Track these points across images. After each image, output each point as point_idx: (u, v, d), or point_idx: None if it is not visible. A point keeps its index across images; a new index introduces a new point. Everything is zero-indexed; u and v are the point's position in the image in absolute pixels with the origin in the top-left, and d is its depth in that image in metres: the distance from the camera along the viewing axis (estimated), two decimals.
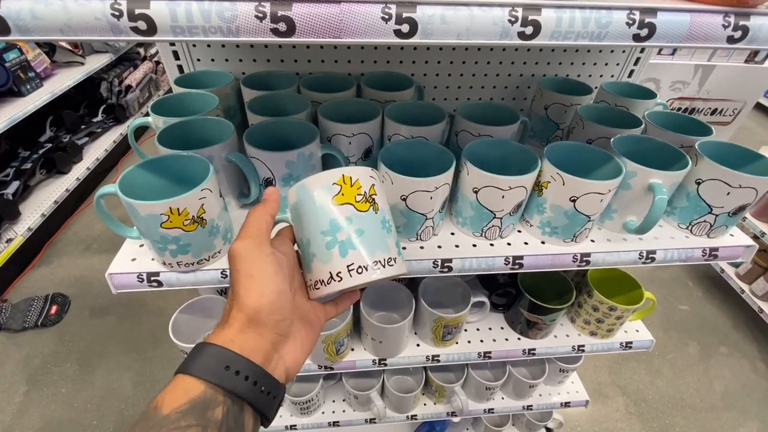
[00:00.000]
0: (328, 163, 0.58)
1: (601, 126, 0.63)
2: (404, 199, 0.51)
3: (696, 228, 0.59)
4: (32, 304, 1.65)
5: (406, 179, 0.49)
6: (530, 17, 0.32)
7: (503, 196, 0.51)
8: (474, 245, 0.57)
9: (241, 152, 0.55)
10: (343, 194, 0.37)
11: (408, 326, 0.76)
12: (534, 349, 0.81)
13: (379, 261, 0.36)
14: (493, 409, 1.01)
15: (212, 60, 0.74)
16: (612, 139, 0.57)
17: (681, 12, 0.34)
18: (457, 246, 0.57)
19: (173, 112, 0.58)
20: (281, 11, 0.30)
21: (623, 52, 0.81)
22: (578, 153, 0.57)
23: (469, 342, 0.82)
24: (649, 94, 0.73)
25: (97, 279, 1.83)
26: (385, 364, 0.81)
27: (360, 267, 0.36)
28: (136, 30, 0.30)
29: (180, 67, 0.75)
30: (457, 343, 0.82)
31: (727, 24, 0.34)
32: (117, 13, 0.29)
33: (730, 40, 0.35)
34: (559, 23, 0.33)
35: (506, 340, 0.83)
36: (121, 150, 2.60)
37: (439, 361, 0.81)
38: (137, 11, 0.29)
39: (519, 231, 0.60)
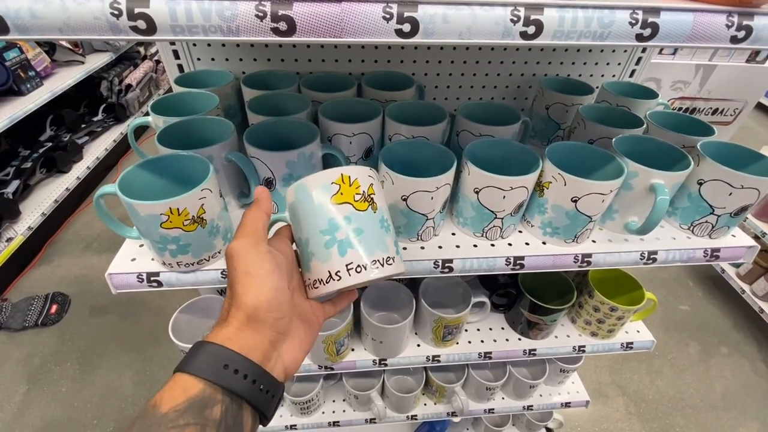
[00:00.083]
0: (328, 162, 0.58)
1: (603, 126, 0.62)
2: (405, 200, 0.51)
3: (698, 228, 0.59)
4: (32, 303, 1.65)
5: (407, 179, 0.49)
6: (532, 17, 0.32)
7: (504, 197, 0.51)
8: (475, 245, 0.57)
9: (241, 152, 0.54)
10: (341, 193, 0.37)
11: (408, 326, 0.76)
12: (535, 350, 0.81)
13: (378, 260, 0.36)
14: (493, 409, 1.01)
15: (212, 59, 0.74)
16: (613, 139, 0.57)
17: (684, 12, 0.33)
18: (458, 246, 0.56)
19: (173, 111, 0.58)
20: (282, 10, 0.30)
21: (625, 51, 0.81)
22: (580, 153, 0.57)
23: (469, 342, 0.82)
24: (651, 94, 0.73)
25: (97, 278, 1.83)
26: (386, 365, 0.80)
27: (359, 266, 0.36)
28: (135, 29, 0.30)
29: (180, 67, 0.74)
30: (457, 343, 0.82)
31: (730, 24, 0.34)
32: (116, 12, 0.29)
33: (734, 40, 0.35)
34: (562, 23, 0.32)
35: (507, 340, 0.82)
36: (121, 149, 2.60)
37: (439, 361, 0.81)
38: (137, 10, 0.29)
39: (520, 231, 0.60)
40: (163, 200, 0.42)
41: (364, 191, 0.38)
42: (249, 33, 0.31)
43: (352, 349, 0.82)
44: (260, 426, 0.33)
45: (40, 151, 1.98)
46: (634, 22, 0.33)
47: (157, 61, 2.97)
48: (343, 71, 0.77)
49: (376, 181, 0.40)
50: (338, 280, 0.36)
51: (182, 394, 0.28)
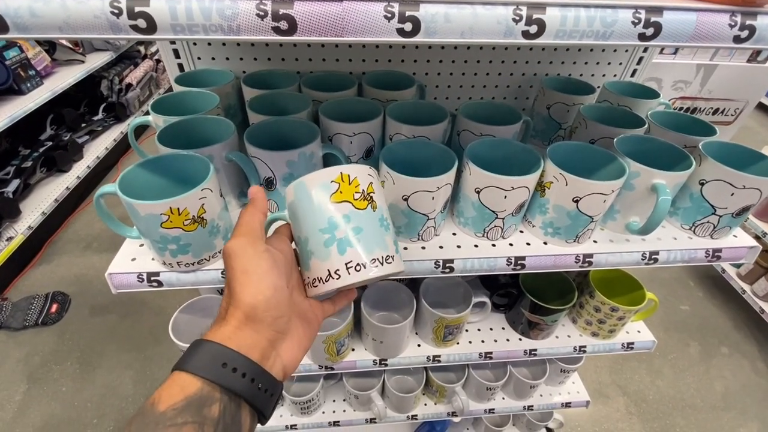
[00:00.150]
0: (329, 162, 0.57)
1: (604, 126, 0.62)
2: (406, 199, 0.50)
3: (699, 229, 0.59)
4: (33, 302, 1.65)
5: (408, 179, 0.48)
6: (535, 16, 0.32)
7: (505, 197, 0.51)
8: (476, 246, 0.57)
9: (241, 151, 0.54)
10: (341, 192, 0.37)
11: (409, 326, 0.76)
12: (535, 350, 0.80)
13: (377, 259, 0.36)
14: (493, 409, 1.01)
15: (213, 58, 0.74)
16: (615, 139, 0.57)
17: (687, 11, 0.33)
18: (458, 246, 0.56)
19: (173, 110, 0.58)
20: (282, 9, 0.30)
21: (626, 51, 0.81)
22: (581, 153, 0.57)
23: (470, 342, 0.82)
24: (652, 94, 0.73)
25: (98, 277, 1.83)
26: (386, 365, 0.80)
27: (358, 264, 0.36)
28: (135, 28, 0.30)
29: (180, 66, 0.74)
30: (458, 343, 0.82)
31: (733, 23, 0.34)
32: (116, 11, 0.29)
33: (737, 39, 0.35)
34: (564, 22, 0.32)
35: (507, 340, 0.82)
36: (121, 148, 2.60)
37: (440, 361, 0.81)
38: (137, 9, 0.29)
39: (521, 231, 0.59)
40: (163, 200, 0.42)
41: (363, 190, 0.38)
42: (250, 32, 0.30)
43: (353, 349, 0.82)
44: (259, 425, 0.33)
45: (41, 150, 1.97)
46: (636, 21, 0.33)
47: (158, 60, 2.97)
48: (343, 70, 0.77)
49: (375, 180, 0.40)
50: (337, 279, 0.36)
51: (180, 392, 0.28)
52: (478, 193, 0.52)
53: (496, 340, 0.82)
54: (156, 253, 0.50)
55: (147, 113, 0.58)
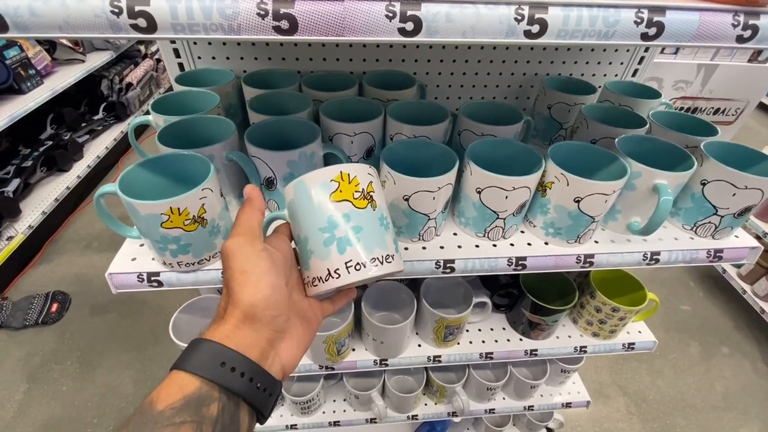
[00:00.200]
0: (330, 162, 0.57)
1: (606, 126, 0.62)
2: (407, 200, 0.50)
3: (701, 229, 0.59)
4: (33, 302, 1.65)
5: (409, 179, 0.48)
6: (537, 15, 0.32)
7: (507, 197, 0.51)
8: (477, 246, 0.56)
9: (242, 151, 0.54)
10: (341, 191, 0.37)
11: (409, 327, 0.76)
12: (536, 350, 0.80)
13: (377, 258, 0.36)
14: (494, 409, 1.01)
15: (213, 58, 0.74)
16: (616, 139, 0.57)
17: (690, 11, 0.33)
18: (459, 247, 0.56)
19: (174, 110, 0.58)
20: (283, 8, 0.30)
21: (627, 51, 0.80)
22: (582, 153, 0.56)
23: (470, 342, 0.82)
24: (654, 94, 0.73)
25: (98, 277, 1.83)
26: (386, 365, 0.80)
27: (358, 264, 0.36)
28: (136, 27, 0.30)
29: (181, 65, 0.74)
30: (458, 343, 0.82)
31: (736, 23, 0.34)
32: (116, 10, 0.29)
33: (740, 39, 0.34)
34: (566, 22, 0.32)
35: (508, 340, 0.82)
36: (121, 148, 2.60)
37: (440, 361, 0.80)
38: (137, 8, 0.29)
39: (522, 232, 0.59)
40: (163, 200, 0.42)
41: (363, 189, 0.38)
42: (250, 31, 0.30)
43: (353, 349, 0.82)
44: (259, 425, 0.33)
45: (41, 149, 1.97)
46: (639, 21, 0.33)
47: (158, 60, 2.97)
48: (344, 70, 0.77)
49: (375, 179, 0.40)
50: (337, 278, 0.36)
51: (179, 391, 0.28)
52: (479, 193, 0.52)
53: (496, 341, 0.82)
54: (156, 253, 0.49)
55: (147, 113, 0.58)
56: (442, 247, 0.56)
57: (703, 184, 0.55)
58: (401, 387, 1.01)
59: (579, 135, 0.67)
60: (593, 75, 0.84)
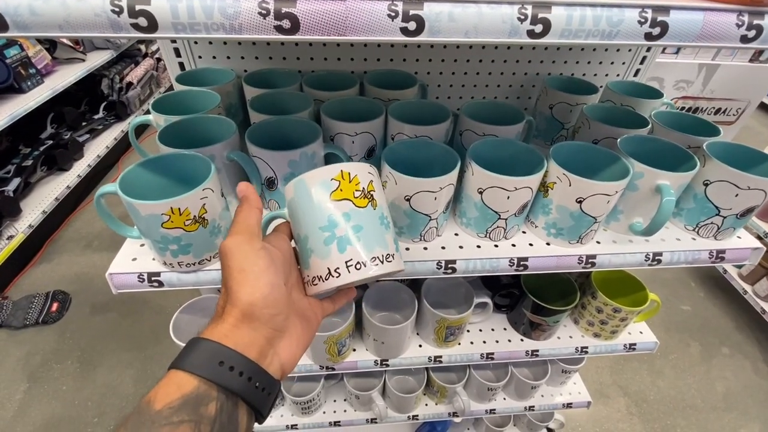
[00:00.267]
0: (330, 162, 0.57)
1: (608, 126, 0.62)
2: (408, 200, 0.50)
3: (703, 230, 0.59)
4: (33, 301, 1.65)
5: (411, 179, 0.48)
6: (540, 15, 0.31)
7: (508, 197, 0.51)
8: (478, 246, 0.56)
9: (242, 151, 0.54)
10: (341, 190, 0.37)
11: (410, 327, 0.75)
12: (537, 351, 0.80)
13: (377, 257, 0.36)
14: (494, 409, 1.00)
15: (214, 57, 0.74)
16: (619, 140, 0.57)
17: (694, 11, 0.33)
18: (461, 247, 0.56)
19: (174, 109, 0.57)
20: (285, 8, 0.29)
21: (629, 51, 0.80)
22: (584, 153, 0.56)
23: (471, 343, 0.82)
24: (656, 94, 0.72)
25: (98, 276, 1.83)
26: (387, 365, 0.80)
27: (358, 263, 0.36)
28: (136, 27, 0.29)
29: (181, 65, 0.74)
30: (459, 344, 0.82)
31: (740, 23, 0.33)
32: (117, 10, 0.29)
33: (744, 39, 0.34)
34: (570, 21, 0.32)
35: (509, 341, 0.82)
36: (122, 147, 2.60)
37: (441, 362, 0.80)
38: (138, 7, 0.29)
39: (524, 232, 0.59)
40: (164, 200, 0.42)
41: (363, 188, 0.38)
42: (252, 31, 0.30)
43: (354, 350, 0.82)
44: (258, 424, 0.33)
45: (41, 148, 1.97)
46: (643, 20, 0.32)
47: (158, 59, 2.97)
48: (345, 70, 0.77)
49: (375, 178, 0.40)
50: (337, 277, 0.36)
51: (177, 390, 0.28)
52: (480, 193, 0.52)
53: (497, 341, 0.82)
54: (157, 254, 0.49)
55: (148, 112, 0.58)
56: (443, 248, 0.56)
57: (706, 185, 0.55)
58: (402, 387, 1.01)
59: (581, 135, 0.67)
60: (595, 75, 0.84)
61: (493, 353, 0.80)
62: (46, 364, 1.50)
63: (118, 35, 0.30)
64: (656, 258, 0.57)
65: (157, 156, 0.49)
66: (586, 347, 0.81)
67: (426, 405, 1.02)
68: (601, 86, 0.77)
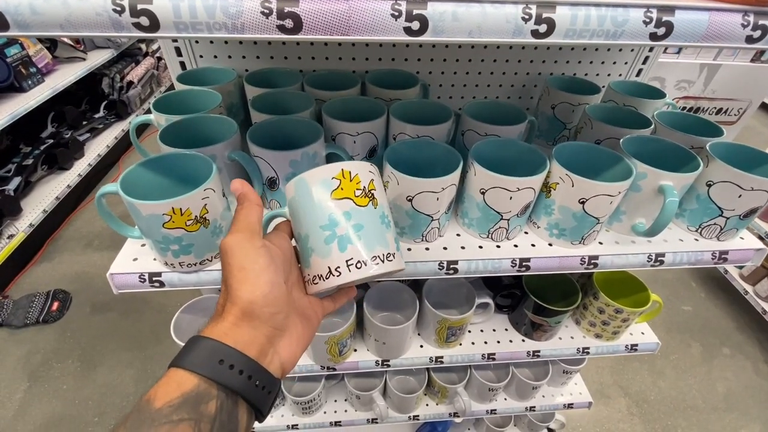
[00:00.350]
0: (332, 162, 0.57)
1: (610, 126, 0.61)
2: (410, 200, 0.50)
3: (706, 231, 0.58)
4: (34, 300, 1.65)
5: (413, 180, 0.48)
6: (544, 15, 0.31)
7: (511, 198, 0.51)
8: (480, 247, 0.56)
9: (244, 151, 0.54)
10: (342, 189, 0.37)
11: (411, 327, 0.75)
12: (538, 351, 0.80)
13: (378, 256, 0.36)
14: (495, 410, 1.00)
15: (215, 57, 0.74)
16: (621, 140, 0.56)
17: (699, 11, 0.33)
18: (463, 247, 0.56)
19: (175, 109, 0.57)
20: (288, 7, 0.29)
21: (632, 50, 0.80)
22: (587, 154, 0.56)
23: (472, 343, 0.82)
24: (658, 94, 0.72)
25: (99, 275, 1.83)
26: (388, 365, 0.80)
27: (359, 262, 0.36)
28: (138, 26, 0.29)
29: (182, 64, 0.74)
30: (460, 344, 0.82)
31: (746, 23, 0.33)
32: (119, 9, 0.28)
33: (749, 39, 0.34)
34: (574, 21, 0.32)
35: (510, 341, 0.82)
36: (122, 146, 2.60)
37: (442, 362, 0.80)
38: (139, 6, 0.28)
39: (526, 233, 0.59)
40: (165, 200, 0.42)
41: (364, 186, 0.38)
42: (254, 30, 0.30)
43: (355, 350, 0.82)
44: (258, 423, 0.32)
45: (42, 147, 1.97)
46: (648, 20, 0.32)
47: (159, 58, 2.97)
48: (346, 69, 0.76)
49: (376, 177, 0.40)
50: (338, 276, 0.36)
51: (177, 389, 0.28)
52: (483, 194, 0.52)
53: (499, 342, 0.82)
54: (158, 254, 0.49)
55: (148, 111, 0.57)
56: (445, 248, 0.56)
57: (709, 186, 0.55)
58: (403, 387, 1.01)
59: (583, 135, 0.67)
60: (597, 75, 0.83)
61: (494, 354, 0.80)
62: (47, 363, 1.50)
63: (120, 35, 0.30)
64: (659, 259, 0.57)
65: (158, 156, 0.49)
66: (588, 348, 0.81)
67: (427, 405, 1.02)
68: (603, 86, 0.76)
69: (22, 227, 1.74)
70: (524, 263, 0.55)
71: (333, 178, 0.37)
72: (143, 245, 0.54)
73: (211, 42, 0.72)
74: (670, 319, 1.79)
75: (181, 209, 0.43)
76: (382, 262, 0.36)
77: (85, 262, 1.90)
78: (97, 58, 2.25)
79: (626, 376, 1.56)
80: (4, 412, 1.35)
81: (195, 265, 0.50)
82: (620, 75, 0.84)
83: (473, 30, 0.31)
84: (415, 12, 0.30)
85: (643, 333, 0.84)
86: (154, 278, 0.50)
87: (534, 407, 1.02)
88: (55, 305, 1.65)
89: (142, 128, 2.68)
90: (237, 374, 0.29)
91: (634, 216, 0.56)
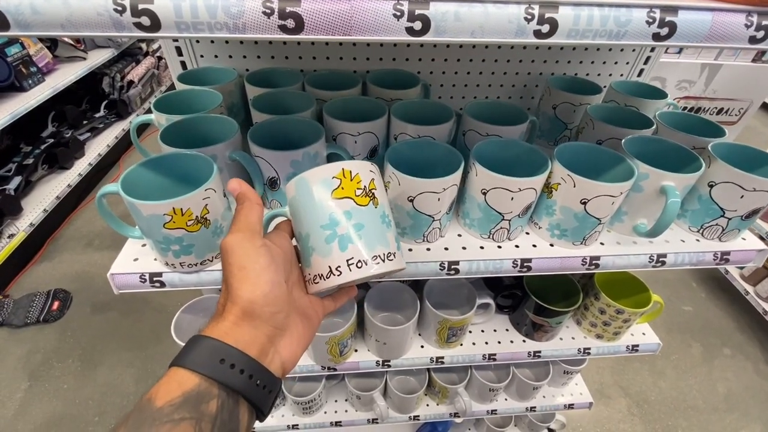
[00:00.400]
0: (333, 162, 0.57)
1: (612, 126, 0.61)
2: (411, 200, 0.50)
3: (707, 231, 0.58)
4: (34, 299, 1.65)
5: (414, 180, 0.48)
6: (547, 15, 0.31)
7: (512, 198, 0.50)
8: (481, 247, 0.56)
9: (245, 151, 0.54)
10: (342, 188, 0.37)
11: (412, 328, 0.75)
12: (539, 352, 0.80)
13: (379, 255, 0.36)
14: (496, 410, 1.00)
15: (216, 56, 0.73)
16: (623, 140, 0.56)
17: (703, 11, 0.32)
18: (464, 248, 0.56)
19: (176, 109, 0.57)
20: (289, 7, 0.29)
21: (633, 50, 0.80)
22: (588, 154, 0.56)
23: (473, 344, 0.82)
24: (660, 94, 0.72)
25: (99, 275, 1.83)
26: (389, 366, 0.80)
27: (359, 261, 0.35)
28: (139, 26, 0.29)
29: (183, 63, 0.74)
30: (461, 344, 0.81)
31: (749, 24, 0.33)
32: (119, 9, 0.28)
33: (752, 40, 0.34)
34: (577, 21, 0.31)
35: (511, 342, 0.82)
36: (123, 145, 2.60)
37: (443, 362, 0.80)
38: (140, 6, 0.28)
39: (527, 233, 0.59)
40: (166, 200, 0.42)
41: (365, 186, 0.38)
42: (256, 30, 0.30)
43: (356, 350, 0.82)
44: (259, 423, 0.32)
45: (42, 147, 1.97)
46: (651, 20, 0.32)
47: (159, 58, 2.97)
48: (347, 69, 0.76)
49: (377, 176, 0.40)
50: (339, 276, 0.36)
51: (178, 388, 0.28)
52: (484, 194, 0.51)
53: (499, 342, 0.82)
54: (158, 254, 0.49)
55: (149, 110, 0.57)
56: (446, 249, 0.55)
57: (711, 186, 0.55)
58: (403, 387, 1.01)
59: (584, 135, 0.66)
60: (598, 75, 0.83)
61: (495, 354, 0.80)
62: (47, 362, 1.50)
63: (121, 34, 0.30)
64: (660, 259, 0.57)
65: (159, 156, 0.49)
66: (589, 348, 0.81)
67: (427, 405, 1.02)
68: (604, 86, 0.76)
69: (22, 227, 1.74)
70: (525, 264, 0.55)
71: (334, 177, 0.37)
72: (144, 245, 0.54)
73: (212, 42, 0.72)
74: (671, 319, 1.78)
75: (181, 209, 0.43)
76: (383, 261, 0.36)
77: (86, 262, 1.90)
78: (98, 58, 2.25)
79: (627, 377, 1.56)
80: (4, 412, 1.35)
81: (196, 265, 0.50)
82: (621, 75, 0.84)
83: (476, 30, 0.31)
84: (417, 12, 0.30)
85: (644, 333, 0.83)
86: (154, 278, 0.50)
87: (534, 407, 1.02)
88: (56, 305, 1.65)
89: (143, 128, 2.68)
90: (238, 373, 0.29)
91: (636, 216, 0.56)
